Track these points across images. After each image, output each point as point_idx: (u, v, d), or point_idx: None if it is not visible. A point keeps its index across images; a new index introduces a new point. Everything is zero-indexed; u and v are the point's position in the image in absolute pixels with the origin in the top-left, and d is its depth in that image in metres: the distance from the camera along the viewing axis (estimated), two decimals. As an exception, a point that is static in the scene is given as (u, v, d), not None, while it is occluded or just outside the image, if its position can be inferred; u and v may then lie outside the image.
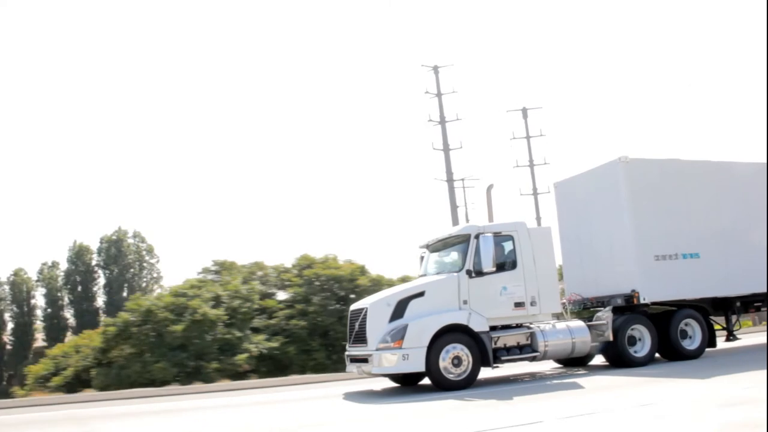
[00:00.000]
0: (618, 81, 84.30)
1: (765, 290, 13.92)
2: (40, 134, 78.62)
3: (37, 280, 60.70)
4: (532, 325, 12.02)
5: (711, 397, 8.32)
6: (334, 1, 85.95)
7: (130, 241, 60.29)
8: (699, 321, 13.46)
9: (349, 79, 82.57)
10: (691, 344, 13.34)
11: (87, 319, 56.72)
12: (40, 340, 60.71)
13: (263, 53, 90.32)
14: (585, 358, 13.64)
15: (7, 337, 60.71)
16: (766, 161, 14.68)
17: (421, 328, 10.96)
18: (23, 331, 60.12)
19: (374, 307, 11.51)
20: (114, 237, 59.57)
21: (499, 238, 11.98)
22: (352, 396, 11.52)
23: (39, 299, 61.16)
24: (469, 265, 11.62)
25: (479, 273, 11.55)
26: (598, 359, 13.79)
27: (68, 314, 60.96)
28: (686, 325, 13.39)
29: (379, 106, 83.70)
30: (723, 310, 14.34)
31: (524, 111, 36.34)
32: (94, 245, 60.19)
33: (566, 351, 12.31)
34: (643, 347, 12.90)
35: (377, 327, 11.24)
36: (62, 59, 79.39)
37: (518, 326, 11.94)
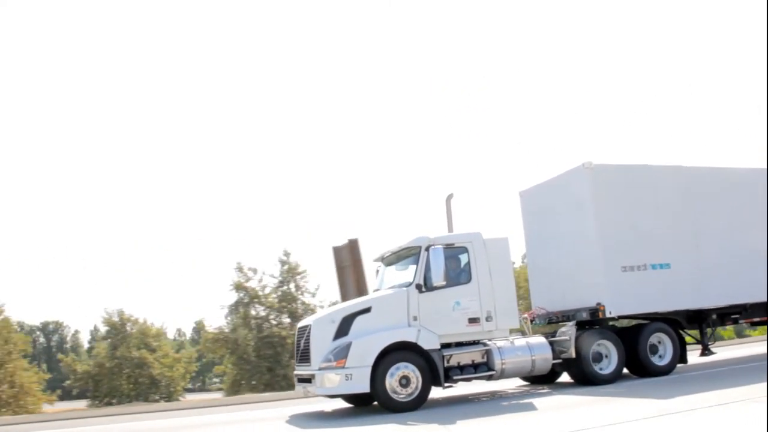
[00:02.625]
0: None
1: (741, 302, 13.33)
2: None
3: None
4: (488, 342, 11.38)
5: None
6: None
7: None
8: (670, 335, 12.76)
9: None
10: (661, 360, 12.65)
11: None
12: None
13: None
14: (552, 375, 12.96)
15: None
16: (766, 166, 14.04)
17: (366, 347, 10.34)
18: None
19: (318, 323, 10.90)
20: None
21: (453, 250, 11.38)
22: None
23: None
24: (419, 278, 11.00)
25: (430, 287, 10.92)
26: (566, 376, 13.09)
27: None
28: (656, 339, 12.70)
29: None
30: (698, 322, 13.63)
31: None
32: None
33: (525, 369, 11.66)
34: (609, 364, 12.21)
35: (321, 345, 10.62)
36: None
37: (474, 343, 11.31)
